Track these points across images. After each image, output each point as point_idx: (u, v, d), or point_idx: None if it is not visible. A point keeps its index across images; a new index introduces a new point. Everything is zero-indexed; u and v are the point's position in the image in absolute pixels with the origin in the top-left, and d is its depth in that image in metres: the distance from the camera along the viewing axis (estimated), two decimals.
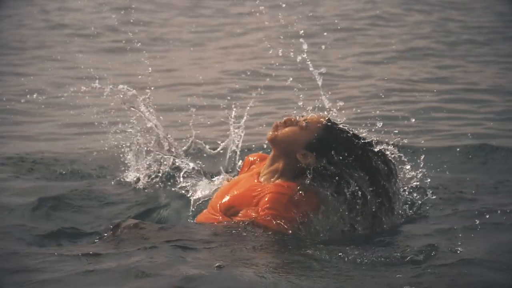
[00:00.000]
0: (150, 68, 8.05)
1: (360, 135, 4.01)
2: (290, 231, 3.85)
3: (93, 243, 3.92)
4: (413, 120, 7.12)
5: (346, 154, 3.90)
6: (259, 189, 3.94)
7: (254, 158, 4.33)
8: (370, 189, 3.93)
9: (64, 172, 5.55)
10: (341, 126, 4.00)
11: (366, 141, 3.98)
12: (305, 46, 4.66)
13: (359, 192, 3.92)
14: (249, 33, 12.23)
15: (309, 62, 4.56)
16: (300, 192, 3.90)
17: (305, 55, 4.72)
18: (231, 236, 3.80)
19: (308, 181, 3.93)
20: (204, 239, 3.78)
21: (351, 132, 3.97)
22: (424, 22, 13.02)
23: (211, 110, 7.53)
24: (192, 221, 4.26)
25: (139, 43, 11.15)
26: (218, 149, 5.09)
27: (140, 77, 8.08)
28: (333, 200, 3.94)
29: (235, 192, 4.01)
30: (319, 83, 4.48)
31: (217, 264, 3.45)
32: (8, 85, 8.62)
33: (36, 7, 13.88)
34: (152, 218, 4.50)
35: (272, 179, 3.99)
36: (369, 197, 3.93)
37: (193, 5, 14.64)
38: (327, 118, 4.00)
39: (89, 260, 3.55)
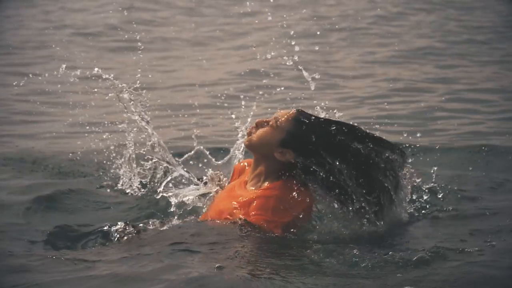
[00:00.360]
0: (139, 70, 7.99)
1: (343, 123, 3.93)
2: (281, 234, 3.83)
3: (95, 247, 3.90)
4: (415, 120, 7.13)
5: (323, 144, 3.85)
6: (246, 198, 3.92)
7: (242, 164, 4.29)
8: (357, 178, 3.87)
9: (62, 172, 5.53)
10: (314, 116, 3.95)
11: (347, 128, 3.90)
12: (297, 48, 4.64)
13: (346, 183, 3.87)
14: (252, 34, 12.23)
15: (301, 67, 4.55)
16: (288, 189, 3.88)
17: (296, 58, 4.71)
18: (230, 237, 3.79)
19: (295, 179, 3.91)
20: (204, 241, 3.77)
21: (326, 121, 3.91)
22: (425, 22, 13.02)
23: (213, 111, 7.53)
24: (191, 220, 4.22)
25: (142, 43, 11.16)
26: (226, 158, 5.03)
27: (138, 76, 8.06)
28: (324, 196, 3.93)
29: (225, 207, 3.98)
30: (312, 87, 4.46)
31: (217, 265, 3.45)
32: (9, 85, 8.63)
33: (38, 8, 13.88)
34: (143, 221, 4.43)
35: (258, 183, 3.97)
36: (354, 187, 3.88)
37: (196, 5, 14.63)
38: (297, 111, 3.95)
39: (89, 264, 3.54)
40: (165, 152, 4.77)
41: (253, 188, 3.96)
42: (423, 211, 4.41)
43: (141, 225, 3.95)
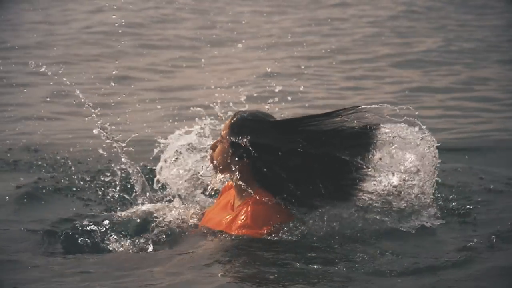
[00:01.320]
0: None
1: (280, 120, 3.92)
2: (271, 236, 3.84)
3: (94, 254, 3.90)
4: (419, 119, 7.12)
5: (264, 140, 3.84)
6: (232, 219, 3.92)
7: (229, 183, 4.26)
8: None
9: (60, 171, 5.53)
10: (251, 114, 3.92)
11: (283, 121, 3.89)
12: (277, 90, 4.59)
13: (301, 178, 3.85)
14: (258, 35, 12.25)
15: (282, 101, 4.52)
16: (263, 193, 3.88)
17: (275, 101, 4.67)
18: (224, 247, 3.80)
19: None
20: (199, 252, 3.79)
21: (262, 116, 3.91)
22: (425, 23, 13.07)
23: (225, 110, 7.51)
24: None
25: (152, 42, 11.22)
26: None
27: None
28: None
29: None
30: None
31: (219, 273, 3.46)
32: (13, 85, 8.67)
33: (41, 10, 13.92)
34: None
35: (243, 195, 3.96)
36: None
37: (205, 7, 14.66)
38: (233, 116, 3.94)
39: (87, 275, 3.55)
40: (145, 186, 4.64)
41: (241, 202, 3.96)
42: (425, 211, 4.38)
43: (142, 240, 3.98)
